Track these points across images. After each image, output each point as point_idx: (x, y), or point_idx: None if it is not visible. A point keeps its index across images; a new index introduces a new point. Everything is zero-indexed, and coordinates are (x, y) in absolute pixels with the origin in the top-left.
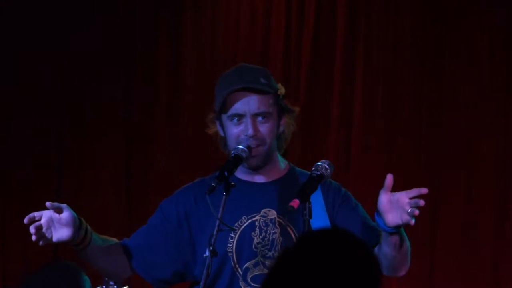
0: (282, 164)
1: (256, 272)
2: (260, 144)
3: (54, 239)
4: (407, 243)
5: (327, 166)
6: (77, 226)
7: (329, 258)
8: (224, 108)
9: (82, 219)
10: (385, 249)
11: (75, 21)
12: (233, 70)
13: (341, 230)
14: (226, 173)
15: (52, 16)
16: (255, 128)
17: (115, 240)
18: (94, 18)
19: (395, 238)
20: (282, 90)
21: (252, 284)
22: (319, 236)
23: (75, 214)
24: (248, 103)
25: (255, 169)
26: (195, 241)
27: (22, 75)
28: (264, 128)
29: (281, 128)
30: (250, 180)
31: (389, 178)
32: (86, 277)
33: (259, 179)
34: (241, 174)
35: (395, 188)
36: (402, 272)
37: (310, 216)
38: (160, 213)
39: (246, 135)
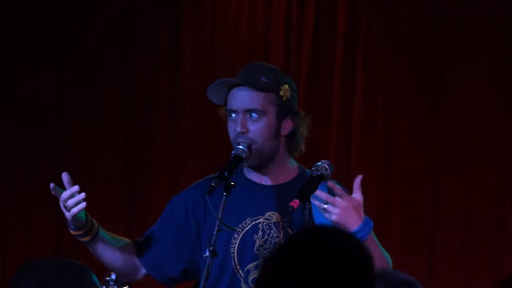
0: (293, 167)
1: (257, 274)
2: (250, 142)
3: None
4: (380, 254)
5: (327, 166)
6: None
7: (319, 254)
8: (226, 103)
9: (87, 213)
10: None
11: (75, 20)
12: (245, 67)
13: (331, 227)
14: (226, 173)
15: (52, 16)
16: (243, 125)
17: (126, 240)
18: (94, 18)
19: None
20: (286, 93)
21: (253, 286)
22: (310, 233)
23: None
24: (241, 99)
25: (254, 169)
26: (201, 237)
27: (22, 75)
28: (255, 127)
29: (285, 131)
30: (258, 182)
31: (357, 180)
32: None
33: (267, 181)
34: (250, 173)
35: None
36: None
37: (310, 216)
38: (169, 211)
39: (236, 132)
